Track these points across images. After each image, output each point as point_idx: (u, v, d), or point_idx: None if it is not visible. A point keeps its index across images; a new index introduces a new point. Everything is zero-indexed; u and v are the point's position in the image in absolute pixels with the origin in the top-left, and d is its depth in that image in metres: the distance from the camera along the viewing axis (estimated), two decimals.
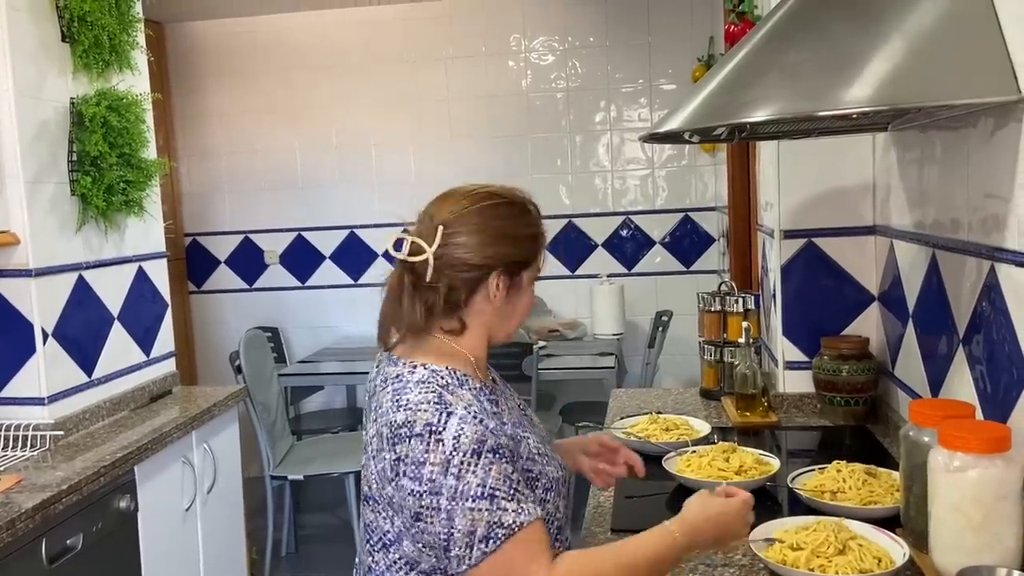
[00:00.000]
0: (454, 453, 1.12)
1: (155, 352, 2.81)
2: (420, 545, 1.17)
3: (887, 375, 2.08)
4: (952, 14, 1.30)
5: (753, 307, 2.36)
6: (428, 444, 1.13)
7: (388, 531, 1.21)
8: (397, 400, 1.18)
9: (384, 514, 1.21)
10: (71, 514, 1.94)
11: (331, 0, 4.52)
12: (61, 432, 2.26)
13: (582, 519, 1.65)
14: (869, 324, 2.19)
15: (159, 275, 2.86)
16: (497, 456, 1.14)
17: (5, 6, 2.18)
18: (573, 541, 1.36)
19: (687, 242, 4.60)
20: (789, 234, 2.22)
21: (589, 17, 4.54)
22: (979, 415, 1.44)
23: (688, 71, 4.38)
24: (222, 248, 4.88)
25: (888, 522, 1.43)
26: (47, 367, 2.28)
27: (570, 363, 3.93)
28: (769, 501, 1.68)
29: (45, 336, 2.28)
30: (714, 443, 1.85)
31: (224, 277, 4.89)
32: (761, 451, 1.80)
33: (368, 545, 1.25)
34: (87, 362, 2.46)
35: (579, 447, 1.52)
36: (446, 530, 1.12)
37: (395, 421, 1.16)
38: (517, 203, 1.30)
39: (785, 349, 2.26)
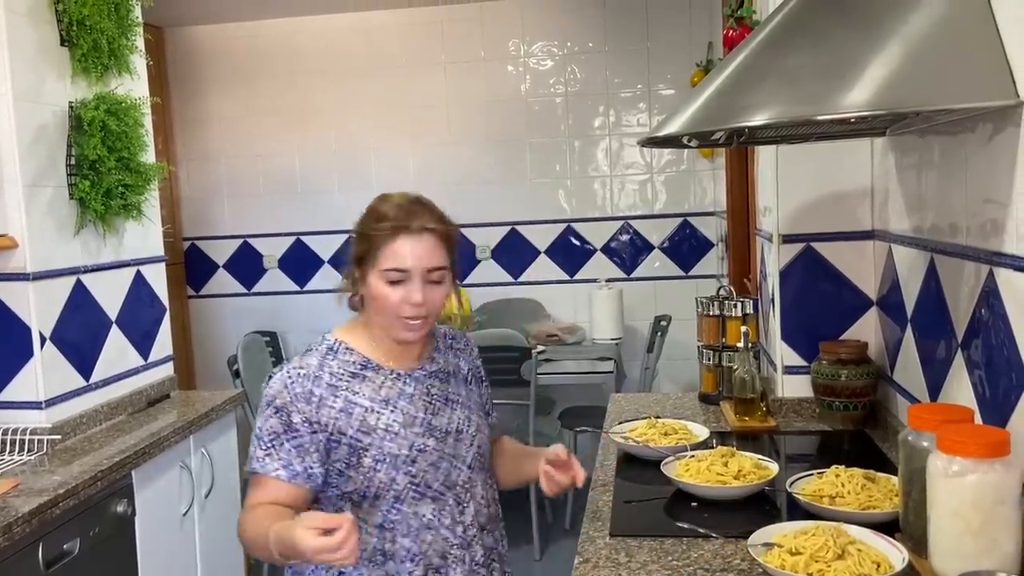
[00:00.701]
0: (263, 396, 1.46)
1: (153, 356, 2.80)
2: None
3: (886, 380, 2.08)
4: (950, 18, 1.30)
5: (752, 311, 2.36)
6: (265, 383, 1.49)
7: None
8: None
9: None
10: (68, 519, 1.94)
11: (330, 5, 4.52)
12: (58, 436, 2.26)
13: (580, 523, 1.65)
14: (868, 329, 2.18)
15: (157, 279, 2.86)
16: (276, 413, 1.43)
17: (4, 10, 2.18)
18: (570, 544, 1.38)
19: (686, 247, 4.60)
20: (788, 239, 2.22)
21: (588, 22, 4.55)
22: (978, 420, 1.44)
23: (687, 76, 4.39)
24: (221, 252, 4.88)
25: (887, 527, 1.43)
26: (44, 371, 2.28)
27: (569, 368, 3.93)
28: (768, 506, 1.67)
29: (43, 340, 2.28)
30: (712, 448, 1.85)
31: (223, 281, 4.89)
32: (760, 455, 1.79)
33: None
34: (85, 366, 2.45)
35: (543, 454, 1.56)
36: None
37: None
38: (372, 208, 1.51)
39: (784, 354, 2.26)
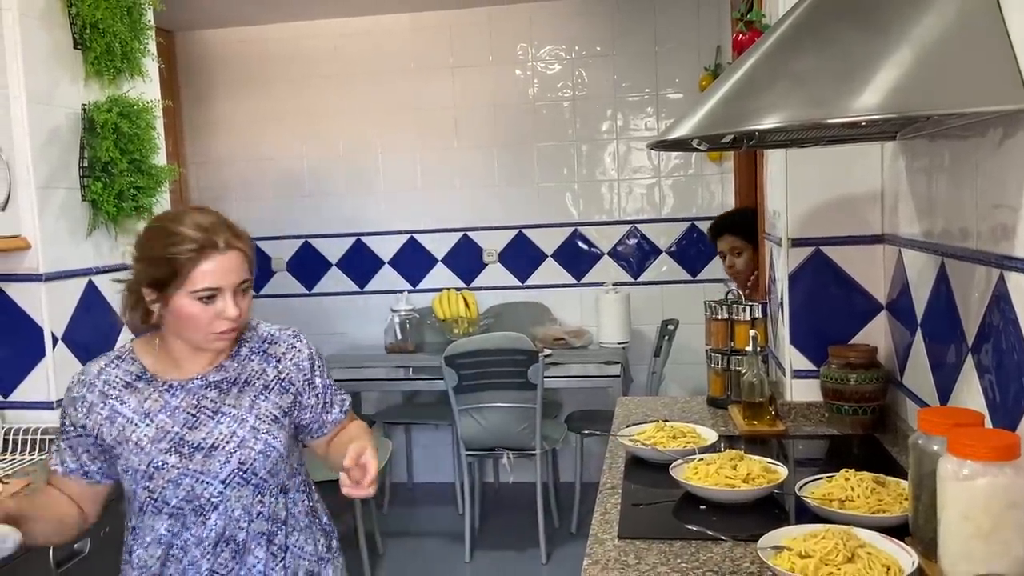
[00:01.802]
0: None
1: None
2: None
3: (895, 384, 2.08)
4: (960, 22, 1.31)
5: (760, 316, 2.36)
6: None
7: None
8: None
9: None
10: None
11: (339, 9, 4.54)
12: None
13: (586, 527, 1.65)
14: (877, 333, 2.18)
15: None
16: (66, 411, 1.54)
17: (18, 13, 2.20)
18: (576, 547, 1.37)
19: (693, 251, 4.60)
20: (797, 242, 2.22)
21: (596, 26, 4.55)
22: (988, 424, 1.44)
23: (695, 80, 4.39)
24: None
25: (897, 530, 1.42)
26: (56, 371, 2.29)
27: (576, 371, 3.94)
28: (777, 509, 1.67)
29: (55, 340, 2.29)
30: (721, 451, 1.85)
31: None
32: (769, 459, 1.79)
33: None
34: None
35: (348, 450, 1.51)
36: None
37: None
38: (164, 228, 1.47)
39: (792, 358, 2.26)
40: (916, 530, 1.40)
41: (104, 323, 2.52)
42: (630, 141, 4.59)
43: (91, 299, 2.46)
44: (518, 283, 4.70)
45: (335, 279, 4.83)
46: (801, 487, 1.64)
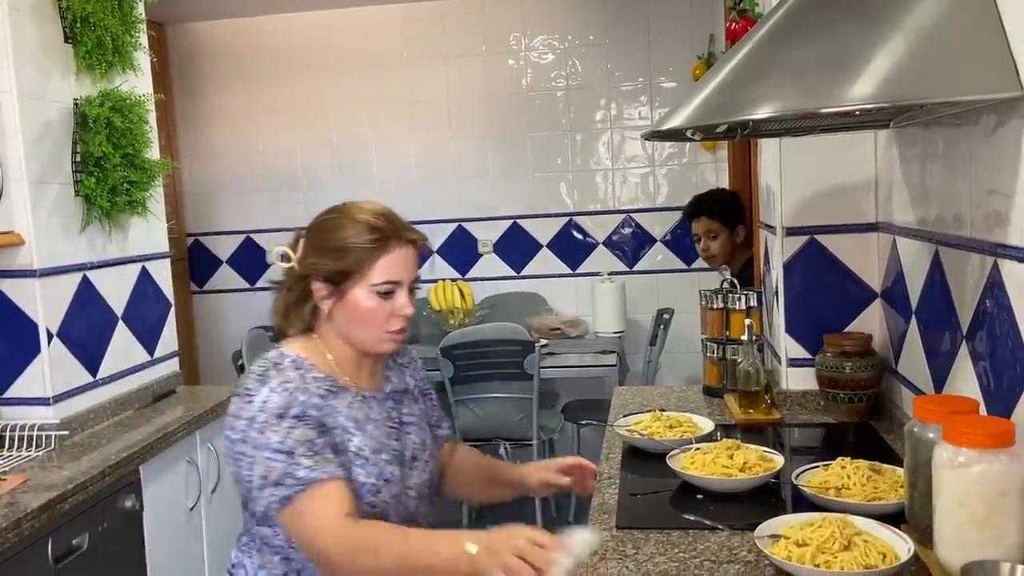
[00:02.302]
0: (260, 413, 1.33)
1: (159, 352, 2.81)
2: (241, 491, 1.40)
3: (890, 372, 2.09)
4: (953, 10, 1.30)
5: (755, 304, 2.37)
6: (241, 403, 1.36)
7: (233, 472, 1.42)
8: (249, 367, 1.43)
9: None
10: (77, 514, 1.95)
11: (332, 0, 4.52)
12: (66, 432, 2.27)
13: (584, 517, 1.66)
14: (872, 321, 2.19)
15: (162, 275, 2.87)
16: (300, 421, 1.33)
17: (8, 7, 2.19)
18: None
19: (688, 240, 4.59)
20: (791, 231, 2.22)
21: (589, 15, 4.54)
22: (983, 411, 1.45)
23: (688, 69, 4.38)
24: (224, 248, 4.89)
25: (893, 518, 1.43)
26: (52, 367, 2.29)
27: (572, 361, 3.94)
28: (774, 498, 1.68)
29: (50, 336, 2.29)
30: (718, 440, 1.86)
31: (226, 277, 4.90)
32: (765, 448, 1.80)
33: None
34: (91, 362, 2.46)
35: (546, 467, 1.65)
36: (250, 475, 1.33)
37: (238, 382, 1.42)
38: (343, 217, 1.42)
39: (788, 346, 2.26)
40: (912, 517, 1.41)
41: (100, 319, 2.52)
42: (624, 130, 4.59)
43: (86, 294, 2.45)
44: (513, 273, 4.70)
45: None
46: (797, 475, 1.65)
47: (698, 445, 1.83)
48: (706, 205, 3.29)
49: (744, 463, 1.71)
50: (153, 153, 2.68)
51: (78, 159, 2.40)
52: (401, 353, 1.59)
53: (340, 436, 1.38)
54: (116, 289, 2.61)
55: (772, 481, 1.70)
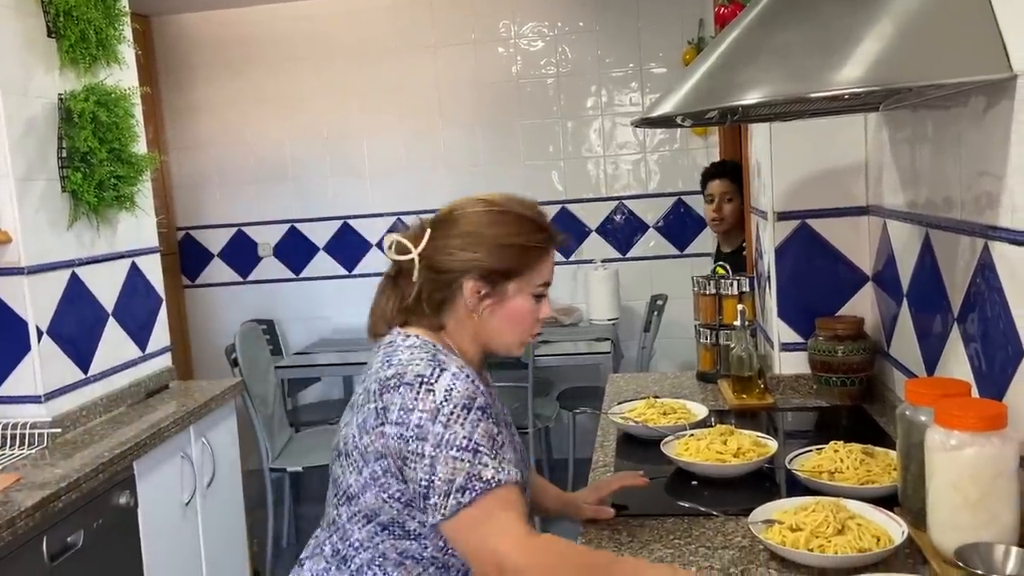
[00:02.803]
0: (444, 403, 1.18)
1: (151, 347, 2.80)
2: (385, 496, 1.23)
3: (882, 355, 2.09)
4: None
5: (748, 290, 2.37)
6: (418, 393, 1.19)
7: (352, 484, 1.27)
8: (388, 360, 1.26)
9: (354, 467, 1.26)
10: (71, 511, 1.94)
11: None
12: (59, 429, 2.26)
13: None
14: (864, 304, 2.19)
15: (152, 270, 2.85)
16: (484, 415, 1.20)
17: None
18: (567, 524, 1.40)
19: (681, 225, 4.60)
20: (783, 216, 2.22)
21: (578, 2, 4.51)
22: (975, 393, 1.45)
23: (678, 54, 4.37)
24: (215, 241, 4.87)
25: (886, 501, 1.44)
26: (43, 365, 2.27)
27: (566, 349, 3.94)
28: (768, 483, 1.69)
29: (40, 334, 2.27)
30: (711, 426, 1.86)
31: (218, 270, 4.88)
32: (759, 433, 1.81)
33: (335, 499, 1.32)
34: (83, 359, 2.45)
35: (581, 499, 1.57)
36: (427, 477, 1.17)
37: (384, 376, 1.23)
38: (509, 212, 1.31)
39: (780, 331, 2.26)
40: (905, 500, 1.42)
41: (90, 315, 2.51)
42: (615, 117, 4.57)
43: (75, 291, 2.44)
44: None
45: (323, 263, 4.81)
46: (791, 460, 1.65)
47: (692, 431, 1.84)
48: (730, 167, 3.30)
49: (738, 448, 1.71)
50: (140, 147, 2.65)
51: (64, 155, 2.38)
52: None
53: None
54: (106, 285, 2.59)
55: (766, 466, 1.71)
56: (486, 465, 1.16)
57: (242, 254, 4.85)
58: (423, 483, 1.18)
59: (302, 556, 1.40)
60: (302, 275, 4.84)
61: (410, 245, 1.31)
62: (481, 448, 1.17)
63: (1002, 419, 1.21)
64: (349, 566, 1.29)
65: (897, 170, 1.92)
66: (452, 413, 1.18)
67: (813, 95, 1.34)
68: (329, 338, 4.57)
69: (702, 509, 1.52)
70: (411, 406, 1.19)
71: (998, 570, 1.16)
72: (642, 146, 4.59)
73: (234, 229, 4.84)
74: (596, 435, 2.03)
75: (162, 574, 2.31)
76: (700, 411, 2.03)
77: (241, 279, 4.87)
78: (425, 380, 1.20)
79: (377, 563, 1.27)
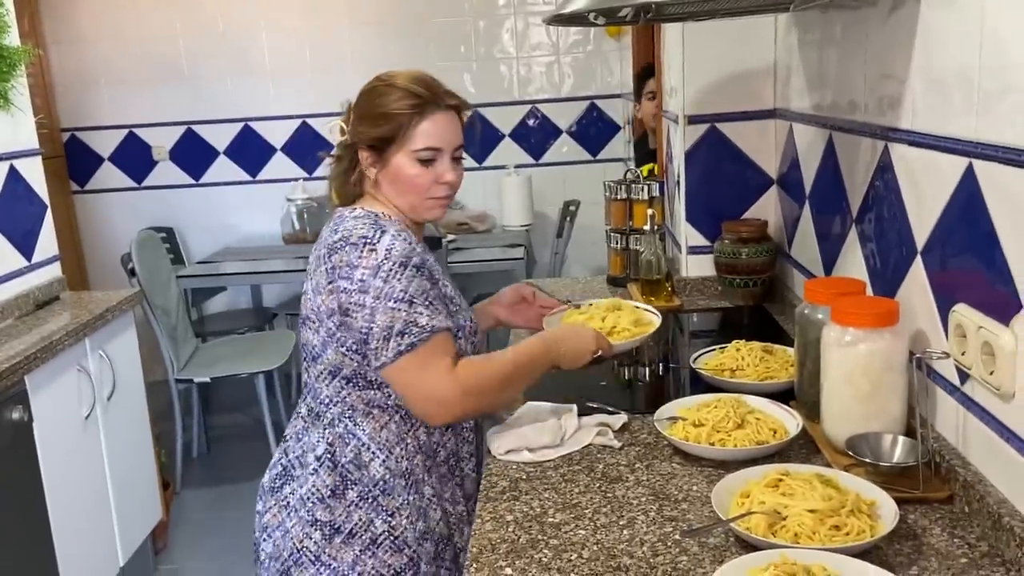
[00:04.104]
0: (384, 261, 1.31)
1: (37, 257, 2.64)
2: (343, 350, 1.35)
3: (784, 256, 2.15)
4: None
5: (658, 194, 2.38)
6: (362, 251, 1.32)
7: (315, 344, 1.38)
8: (335, 228, 1.38)
9: (313, 328, 1.38)
10: None
11: None
12: None
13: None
14: (768, 207, 2.23)
15: (34, 174, 2.66)
16: (419, 272, 1.33)
17: None
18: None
19: (594, 130, 4.58)
20: (693, 119, 2.22)
21: None
22: (869, 292, 1.51)
23: None
24: (105, 144, 4.58)
25: (783, 396, 1.50)
26: None
27: (480, 255, 3.93)
28: (674, 381, 1.73)
29: None
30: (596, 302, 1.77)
31: (109, 175, 4.61)
32: (648, 308, 1.72)
33: (304, 363, 1.43)
34: None
35: (492, 301, 1.75)
36: (367, 325, 1.30)
37: (332, 240, 1.35)
38: (385, 84, 1.40)
39: (688, 235, 2.29)
40: (801, 394, 1.48)
41: None
42: (528, 16, 4.45)
43: None
44: None
45: (224, 168, 4.60)
46: (695, 359, 1.70)
47: (576, 304, 1.74)
48: None
49: (613, 328, 1.63)
50: (12, 39, 2.43)
51: None
52: None
53: (442, 285, 1.41)
54: None
55: (672, 366, 1.74)
56: (420, 314, 1.30)
57: (135, 158, 4.59)
58: (363, 331, 1.31)
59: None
60: (202, 181, 4.62)
61: (344, 126, 1.44)
62: (416, 300, 1.31)
63: (894, 316, 1.26)
64: (322, 420, 1.40)
65: (804, 73, 1.93)
66: (391, 270, 1.30)
67: None
68: (234, 247, 4.42)
69: (610, 409, 1.55)
70: (355, 263, 1.31)
71: (885, 458, 1.23)
72: (555, 48, 4.50)
73: (125, 131, 4.56)
74: (508, 340, 2.04)
75: (64, 488, 2.25)
76: None
77: (136, 184, 4.62)
78: (368, 240, 1.32)
79: (347, 415, 1.38)
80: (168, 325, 3.45)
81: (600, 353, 1.50)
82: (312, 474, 1.38)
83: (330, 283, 1.33)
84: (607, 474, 1.34)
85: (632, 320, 1.66)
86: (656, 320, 1.69)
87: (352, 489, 1.36)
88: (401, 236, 1.34)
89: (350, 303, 1.31)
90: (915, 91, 1.31)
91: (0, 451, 2.00)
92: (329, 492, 1.36)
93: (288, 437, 1.46)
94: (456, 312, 1.42)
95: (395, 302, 1.30)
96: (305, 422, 1.43)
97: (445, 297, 1.41)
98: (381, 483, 1.36)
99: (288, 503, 1.39)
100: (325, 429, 1.39)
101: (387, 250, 1.31)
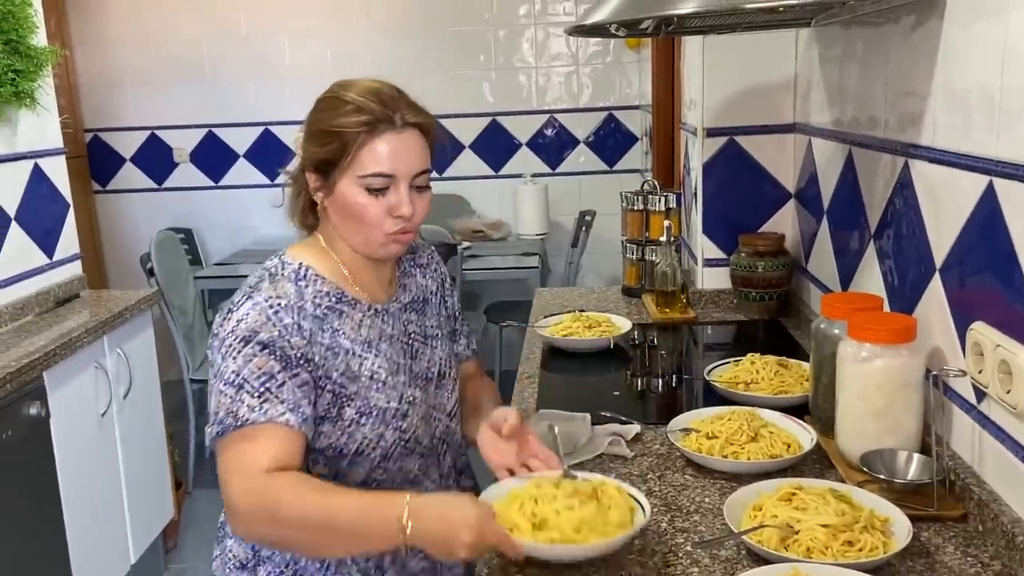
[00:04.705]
0: (230, 334, 1.14)
1: (59, 254, 2.67)
2: None
3: (800, 271, 2.15)
4: None
5: (675, 206, 2.38)
6: (224, 320, 1.16)
7: None
8: (247, 278, 1.23)
9: None
10: None
11: None
12: None
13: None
14: (785, 221, 2.23)
15: (58, 173, 2.69)
16: (264, 350, 1.12)
17: None
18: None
19: (611, 141, 4.58)
20: (712, 132, 2.22)
21: None
22: (886, 308, 1.50)
23: None
24: (127, 145, 4.63)
25: (797, 410, 1.50)
26: None
27: (494, 263, 3.93)
28: (687, 393, 1.73)
29: None
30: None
31: (131, 176, 4.65)
32: (639, 497, 1.18)
33: None
34: None
35: (484, 409, 1.34)
36: (210, 404, 1.15)
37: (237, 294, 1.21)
38: (334, 96, 1.21)
39: (704, 247, 2.30)
40: (815, 409, 1.47)
41: None
42: (548, 27, 4.46)
43: None
44: (435, 174, 4.60)
45: (243, 171, 4.64)
46: (709, 371, 1.70)
47: (574, 474, 1.20)
48: None
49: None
50: (40, 39, 2.46)
51: None
52: (418, 252, 1.40)
53: (348, 360, 1.18)
54: (6, 187, 2.44)
55: (686, 377, 1.74)
56: (243, 403, 1.10)
57: (156, 159, 4.63)
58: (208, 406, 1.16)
59: None
60: (221, 183, 4.66)
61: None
62: (246, 385, 1.11)
63: (911, 332, 1.25)
64: None
65: (825, 88, 1.93)
66: (231, 345, 1.13)
67: (749, 6, 1.32)
68: (251, 249, 4.45)
69: (623, 418, 1.55)
70: (215, 331, 1.17)
71: (899, 475, 1.23)
72: (575, 58, 4.51)
73: (147, 132, 4.61)
74: (522, 348, 2.05)
75: (79, 484, 2.27)
76: (624, 324, 2.06)
77: (156, 185, 4.66)
78: (232, 307, 1.16)
79: None
80: (184, 325, 3.47)
81: (497, 550, 1.07)
82: (230, 538, 1.25)
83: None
84: None
85: (606, 519, 1.10)
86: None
87: (263, 567, 1.21)
88: (266, 305, 1.14)
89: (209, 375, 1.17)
90: (936, 108, 1.32)
91: (17, 446, 2.02)
92: (239, 564, 1.23)
93: (221, 525, 1.30)
94: (376, 391, 1.19)
95: (224, 384, 1.12)
96: None
97: (356, 378, 1.18)
98: (293, 564, 1.20)
99: (216, 562, 1.28)
100: (243, 544, 1.23)
101: (238, 321, 1.14)
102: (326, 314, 1.19)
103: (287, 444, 1.11)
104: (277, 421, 1.10)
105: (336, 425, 1.18)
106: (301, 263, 1.22)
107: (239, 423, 1.10)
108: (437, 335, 1.33)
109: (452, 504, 1.06)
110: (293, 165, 1.28)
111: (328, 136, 1.18)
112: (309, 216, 1.28)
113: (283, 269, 1.21)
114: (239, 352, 1.12)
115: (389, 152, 1.18)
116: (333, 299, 1.21)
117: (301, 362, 1.14)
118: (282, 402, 1.11)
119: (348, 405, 1.18)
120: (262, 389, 1.11)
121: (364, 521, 1.06)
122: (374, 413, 1.19)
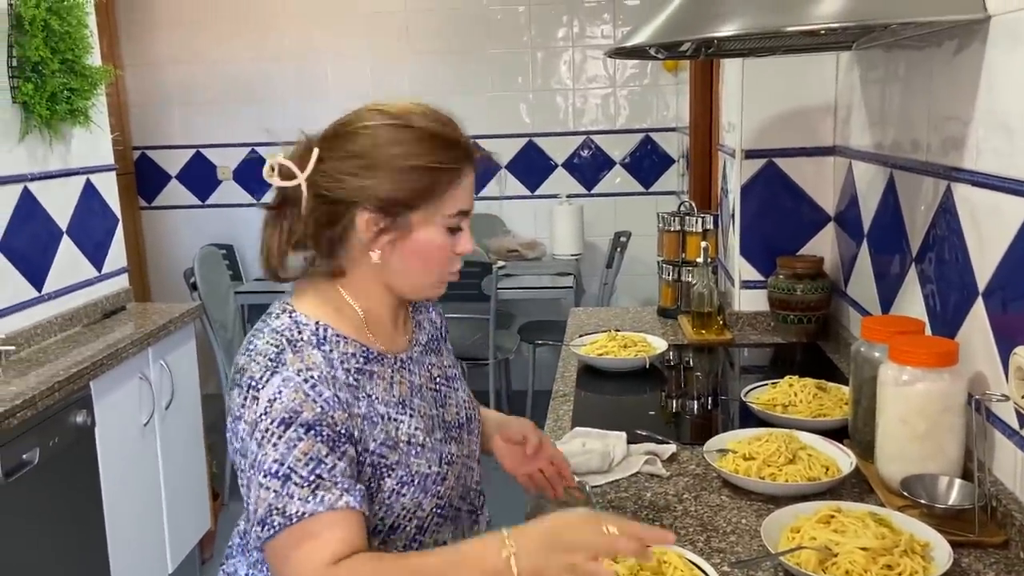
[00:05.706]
0: (263, 416, 0.99)
1: (107, 268, 2.74)
2: None
3: (839, 294, 2.13)
4: None
5: (712, 227, 2.38)
6: (246, 399, 1.01)
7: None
8: (249, 341, 1.07)
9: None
10: (26, 429, 1.92)
11: None
12: (12, 347, 2.21)
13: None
14: (824, 244, 2.22)
15: (108, 188, 2.78)
16: (310, 433, 0.98)
17: None
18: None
19: (647, 163, 4.59)
20: (750, 154, 2.22)
21: None
22: (928, 332, 1.49)
23: None
24: (173, 162, 4.74)
25: (836, 434, 1.48)
26: None
27: (529, 283, 3.95)
28: (723, 414, 1.73)
29: None
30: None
31: (176, 193, 4.76)
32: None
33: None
34: (36, 276, 2.40)
35: (501, 423, 1.32)
36: (246, 496, 1.01)
37: (237, 363, 1.05)
38: (411, 126, 1.06)
39: (742, 268, 2.29)
40: (855, 433, 1.46)
41: (43, 232, 2.44)
42: (586, 49, 4.50)
43: (27, 207, 2.37)
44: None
45: None
46: (747, 393, 1.69)
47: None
48: None
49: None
50: (94, 59, 2.55)
51: (14, 64, 2.27)
52: None
53: (386, 427, 1.07)
54: (59, 202, 2.52)
55: (722, 398, 1.74)
56: (292, 496, 0.96)
57: (201, 177, 4.73)
58: (245, 499, 1.01)
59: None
60: (263, 200, 4.73)
61: (295, 169, 1.08)
62: (293, 476, 0.97)
63: (953, 356, 1.24)
64: (248, 558, 1.14)
65: (866, 111, 1.92)
66: (267, 430, 0.98)
67: (789, 29, 1.33)
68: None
69: (659, 438, 1.55)
70: (238, 413, 1.01)
71: (940, 500, 1.21)
72: (612, 80, 4.54)
73: (193, 151, 4.72)
74: (556, 367, 2.06)
75: (120, 492, 2.32)
76: (660, 344, 2.06)
77: (200, 202, 4.76)
78: (254, 384, 1.00)
79: (243, 546, 1.14)
80: (225, 339, 3.53)
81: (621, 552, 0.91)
82: (234, 557, 1.15)
83: (229, 419, 1.04)
84: (655, 503, 1.34)
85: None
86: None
87: None
88: (300, 378, 1.00)
89: (237, 462, 1.02)
90: (979, 132, 1.31)
91: (63, 452, 2.07)
92: None
93: (229, 546, 1.18)
94: (416, 455, 1.08)
95: (265, 476, 0.97)
96: (241, 540, 1.15)
97: (395, 446, 1.06)
98: None
99: None
100: (250, 569, 1.12)
101: (269, 401, 0.99)
102: (358, 380, 1.07)
103: (349, 528, 0.97)
104: (337, 507, 0.97)
105: (376, 499, 1.06)
106: (318, 322, 1.07)
107: (291, 520, 0.96)
108: (455, 375, 1.24)
109: (550, 517, 0.95)
110: (270, 196, 1.12)
111: (414, 172, 1.04)
112: (334, 260, 1.10)
113: (300, 333, 1.05)
114: (279, 438, 0.98)
115: (470, 188, 1.09)
116: (360, 360, 1.08)
117: (344, 437, 1.01)
118: (336, 485, 0.98)
119: (388, 476, 1.06)
120: (312, 477, 0.97)
121: (456, 557, 0.95)
122: (416, 481, 1.08)
